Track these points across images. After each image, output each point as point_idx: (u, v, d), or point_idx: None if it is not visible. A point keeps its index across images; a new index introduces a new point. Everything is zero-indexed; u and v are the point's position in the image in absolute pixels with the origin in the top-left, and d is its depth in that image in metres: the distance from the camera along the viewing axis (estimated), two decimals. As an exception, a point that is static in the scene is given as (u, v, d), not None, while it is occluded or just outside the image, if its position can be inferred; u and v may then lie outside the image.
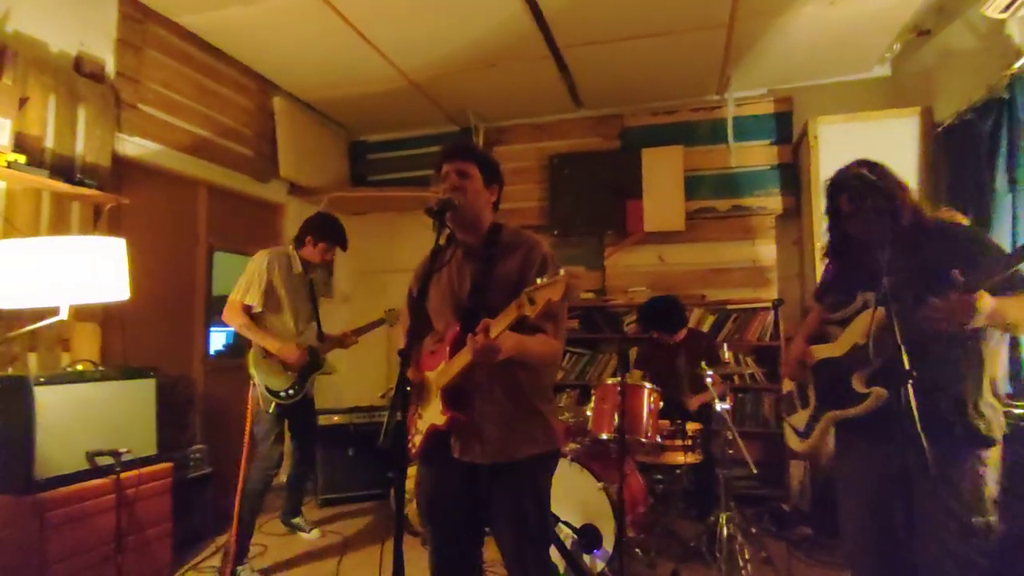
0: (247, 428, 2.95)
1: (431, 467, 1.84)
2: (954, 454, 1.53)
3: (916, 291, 1.46)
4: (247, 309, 2.95)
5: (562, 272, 1.42)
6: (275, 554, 3.20)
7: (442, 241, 1.67)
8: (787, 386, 2.03)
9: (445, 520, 1.82)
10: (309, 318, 3.20)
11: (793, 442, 1.94)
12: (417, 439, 1.79)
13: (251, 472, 2.97)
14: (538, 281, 1.43)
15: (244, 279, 3.00)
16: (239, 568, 2.88)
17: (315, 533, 3.47)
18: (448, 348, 1.72)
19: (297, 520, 3.51)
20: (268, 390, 2.96)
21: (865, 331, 1.65)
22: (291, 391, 3.02)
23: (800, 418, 1.92)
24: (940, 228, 1.64)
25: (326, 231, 3.16)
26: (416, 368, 1.85)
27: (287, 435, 3.20)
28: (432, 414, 1.74)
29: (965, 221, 1.69)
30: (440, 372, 1.73)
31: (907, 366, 1.35)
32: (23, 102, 2.74)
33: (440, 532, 1.83)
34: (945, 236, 1.62)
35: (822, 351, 1.85)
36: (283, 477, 3.47)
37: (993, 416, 1.57)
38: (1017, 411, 2.19)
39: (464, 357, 1.60)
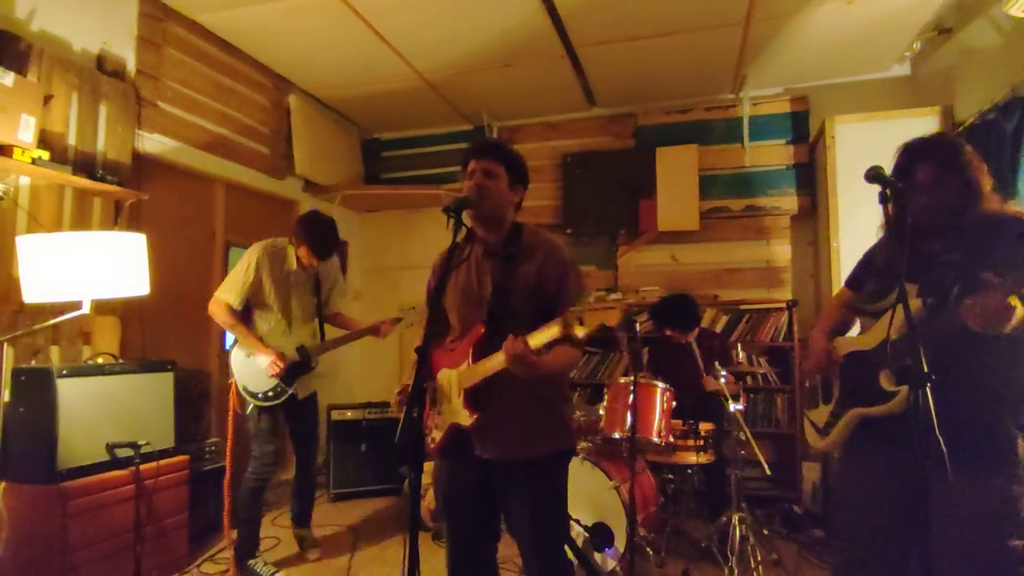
0: (229, 426, 2.86)
1: (450, 462, 1.87)
2: (988, 469, 1.44)
3: (963, 287, 1.36)
4: (231, 306, 2.83)
5: (618, 296, 1.41)
6: (287, 547, 3.23)
7: (459, 239, 1.68)
8: (809, 380, 1.93)
9: (462, 514, 1.85)
10: (308, 317, 3.02)
11: (812, 438, 1.84)
12: (436, 435, 1.81)
13: (248, 471, 2.90)
14: (589, 302, 1.42)
15: (231, 275, 2.88)
16: (251, 562, 2.88)
17: (316, 552, 3.15)
18: (471, 349, 1.72)
19: (300, 531, 3.20)
20: (246, 390, 2.84)
21: (900, 325, 1.51)
22: (271, 393, 2.85)
23: (820, 414, 1.81)
24: (1004, 222, 1.49)
25: (305, 234, 2.88)
26: (432, 367, 1.85)
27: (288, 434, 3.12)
28: (454, 412, 1.75)
29: None
30: (464, 372, 1.73)
31: (926, 368, 1.27)
32: (47, 100, 2.79)
33: (457, 526, 1.86)
34: (1005, 228, 1.47)
35: (850, 344, 1.74)
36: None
37: None
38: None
39: (496, 362, 1.62)
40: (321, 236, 2.90)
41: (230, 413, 2.87)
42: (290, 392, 2.89)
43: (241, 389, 2.84)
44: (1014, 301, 1.27)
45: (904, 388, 1.48)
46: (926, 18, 3.49)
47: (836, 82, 4.31)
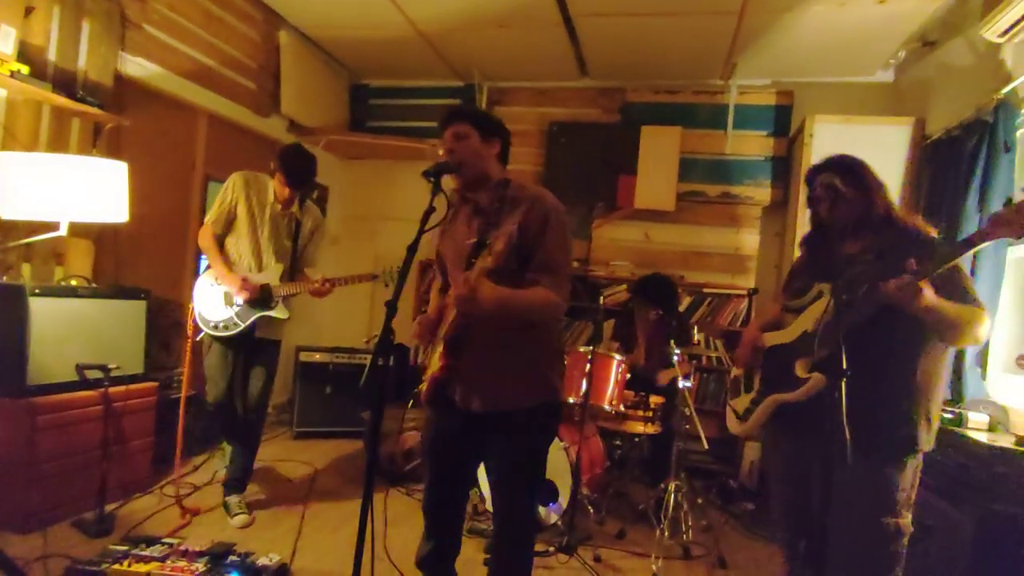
0: (187, 353, 2.89)
1: (435, 410, 1.93)
2: (878, 457, 1.62)
3: (871, 286, 1.50)
4: (216, 233, 2.82)
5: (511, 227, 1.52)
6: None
7: (436, 203, 1.74)
8: (736, 371, 2.11)
9: (439, 460, 1.95)
10: (279, 255, 2.90)
11: (733, 424, 2.03)
12: (423, 386, 1.89)
13: (206, 406, 2.93)
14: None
15: (215, 200, 2.88)
16: (227, 498, 2.92)
17: (239, 520, 2.85)
18: (452, 301, 1.80)
19: (230, 499, 2.93)
20: (201, 316, 2.80)
21: (815, 320, 1.71)
22: (223, 324, 2.79)
23: (742, 402, 2.00)
24: (912, 233, 1.68)
25: (281, 160, 2.82)
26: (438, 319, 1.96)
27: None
28: (434, 361, 1.84)
29: (936, 233, 1.71)
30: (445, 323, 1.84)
31: (844, 365, 1.45)
32: (28, 11, 2.72)
33: (437, 470, 1.96)
34: (908, 237, 1.66)
35: (774, 338, 1.92)
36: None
37: (926, 427, 1.64)
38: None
39: (454, 310, 1.69)
40: (296, 164, 2.84)
41: (188, 340, 2.87)
42: (242, 328, 2.80)
43: (197, 315, 2.82)
44: (924, 284, 1.47)
45: (813, 375, 1.66)
46: (912, 29, 3.58)
47: (822, 81, 4.40)
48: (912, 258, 1.48)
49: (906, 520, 1.64)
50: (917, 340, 1.62)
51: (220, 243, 2.85)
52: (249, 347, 2.91)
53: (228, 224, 2.84)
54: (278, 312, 2.88)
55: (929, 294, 1.48)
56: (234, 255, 2.86)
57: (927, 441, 1.65)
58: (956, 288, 1.57)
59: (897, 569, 1.64)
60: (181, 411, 2.94)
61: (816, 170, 1.80)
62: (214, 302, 2.81)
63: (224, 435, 3.18)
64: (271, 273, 2.88)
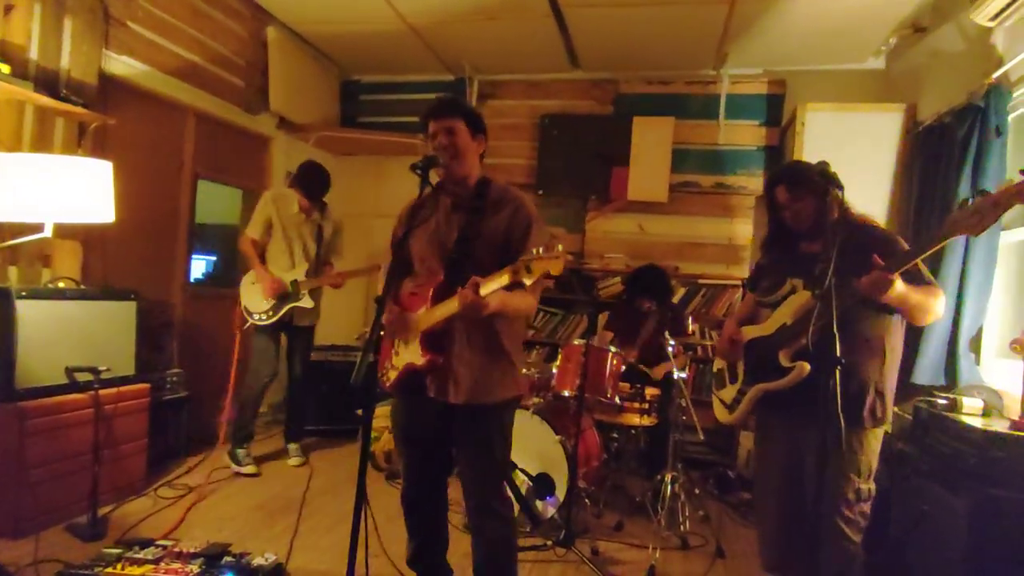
0: (236, 344, 3.48)
1: (406, 401, 1.96)
2: (857, 430, 1.78)
3: (840, 276, 1.61)
4: (254, 240, 3.45)
5: (560, 247, 1.52)
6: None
7: (424, 195, 1.74)
8: (718, 364, 2.21)
9: (417, 450, 1.98)
10: (306, 256, 3.53)
11: (721, 414, 2.13)
12: (392, 374, 1.89)
13: (246, 380, 3.51)
14: (536, 252, 1.51)
15: (253, 215, 3.52)
16: (238, 449, 3.46)
17: (294, 460, 3.71)
18: (431, 294, 1.80)
19: (290, 446, 3.77)
20: (246, 310, 3.44)
21: (793, 313, 1.85)
22: (263, 316, 3.41)
23: (728, 392, 2.10)
24: (861, 227, 1.83)
25: (298, 176, 3.51)
26: (398, 306, 1.92)
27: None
28: (411, 353, 1.83)
29: (882, 224, 1.91)
30: (422, 316, 1.82)
31: (838, 353, 1.47)
32: (8, 9, 2.68)
33: (412, 460, 1.99)
34: (865, 234, 1.81)
35: (752, 331, 2.04)
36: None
37: (889, 400, 1.83)
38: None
39: (450, 307, 1.69)
40: (308, 179, 3.50)
41: (236, 332, 3.50)
42: (279, 316, 3.42)
43: (243, 308, 3.44)
44: (894, 277, 1.60)
45: (799, 363, 1.81)
46: (903, 14, 3.57)
47: (814, 69, 4.38)
48: (875, 255, 1.62)
49: (873, 486, 1.83)
50: (882, 320, 1.80)
51: (259, 248, 3.46)
52: (289, 334, 3.60)
53: (264, 232, 3.47)
54: (305, 302, 3.50)
55: (900, 285, 1.62)
56: (273, 257, 3.48)
57: (890, 409, 1.85)
58: (912, 273, 1.70)
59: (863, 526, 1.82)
60: (230, 393, 3.43)
61: (773, 180, 1.96)
62: (256, 297, 3.42)
63: (239, 426, 3.49)
64: (299, 270, 3.49)
